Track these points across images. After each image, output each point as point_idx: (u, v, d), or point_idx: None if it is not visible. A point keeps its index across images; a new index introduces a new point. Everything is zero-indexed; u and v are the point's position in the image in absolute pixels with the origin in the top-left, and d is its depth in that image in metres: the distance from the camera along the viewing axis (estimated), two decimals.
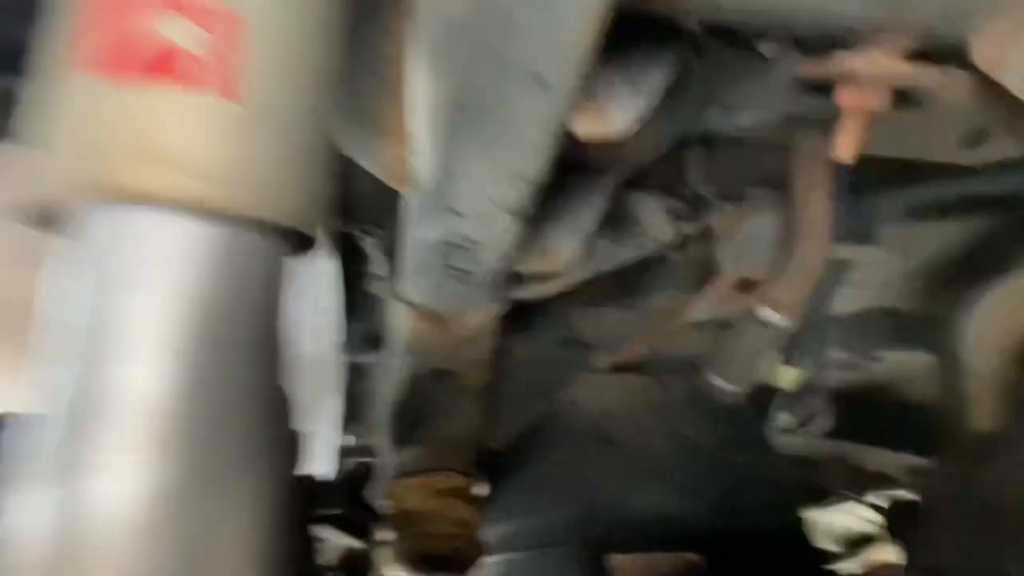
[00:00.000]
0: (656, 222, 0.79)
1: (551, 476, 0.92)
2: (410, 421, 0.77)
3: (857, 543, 1.61)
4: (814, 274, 0.84)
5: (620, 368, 1.10)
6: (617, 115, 0.44)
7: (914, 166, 0.86)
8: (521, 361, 1.04)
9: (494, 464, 0.93)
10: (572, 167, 0.68)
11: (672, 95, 0.62)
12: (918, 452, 1.54)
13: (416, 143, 0.41)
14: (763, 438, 1.01)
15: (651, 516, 0.86)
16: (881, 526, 1.55)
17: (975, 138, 0.83)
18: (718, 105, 0.65)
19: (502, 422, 0.92)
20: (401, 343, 0.69)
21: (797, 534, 0.87)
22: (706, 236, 0.87)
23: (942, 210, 1.00)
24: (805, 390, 1.08)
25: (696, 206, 0.85)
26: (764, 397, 1.17)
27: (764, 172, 0.90)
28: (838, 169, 0.66)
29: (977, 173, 0.78)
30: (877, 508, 1.61)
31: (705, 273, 1.08)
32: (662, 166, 0.93)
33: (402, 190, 0.51)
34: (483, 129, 0.39)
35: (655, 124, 0.63)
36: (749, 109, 0.60)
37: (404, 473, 0.75)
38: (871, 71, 0.44)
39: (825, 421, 1.06)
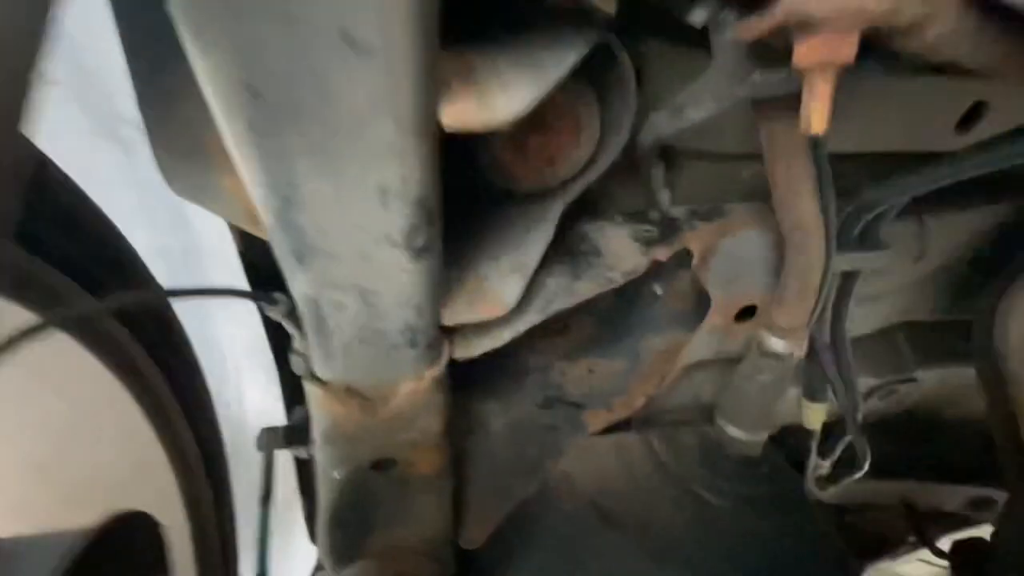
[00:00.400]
0: (621, 250, 0.67)
1: (543, 573, 0.74)
2: (351, 528, 0.62)
3: None
4: (817, 290, 0.71)
5: (616, 428, 0.94)
6: (500, 100, 0.34)
7: (908, 158, 0.75)
8: (496, 433, 0.89)
9: (469, 568, 0.76)
10: (506, 192, 0.57)
11: (604, 97, 0.53)
12: (981, 482, 1.34)
13: (232, 161, 0.31)
14: (797, 492, 0.84)
15: None
16: (955, 569, 1.30)
17: (968, 120, 0.73)
18: (664, 107, 0.55)
19: (475, 513, 0.76)
20: (320, 432, 0.55)
21: None
22: (685, 262, 0.74)
23: (947, 201, 0.89)
24: (838, 427, 0.91)
25: (667, 229, 0.73)
26: (792, 443, 1.00)
27: (743, 186, 0.79)
28: (820, 159, 0.55)
29: (975, 155, 0.67)
30: (941, 552, 1.38)
31: (699, 306, 0.95)
32: (623, 188, 0.83)
33: (257, 232, 0.40)
34: (300, 122, 0.28)
35: (589, 132, 0.53)
36: (697, 103, 0.50)
37: None
38: (832, 7, 0.33)
39: (865, 459, 0.89)
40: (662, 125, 0.55)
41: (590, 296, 0.61)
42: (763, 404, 0.78)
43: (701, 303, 0.94)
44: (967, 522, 1.47)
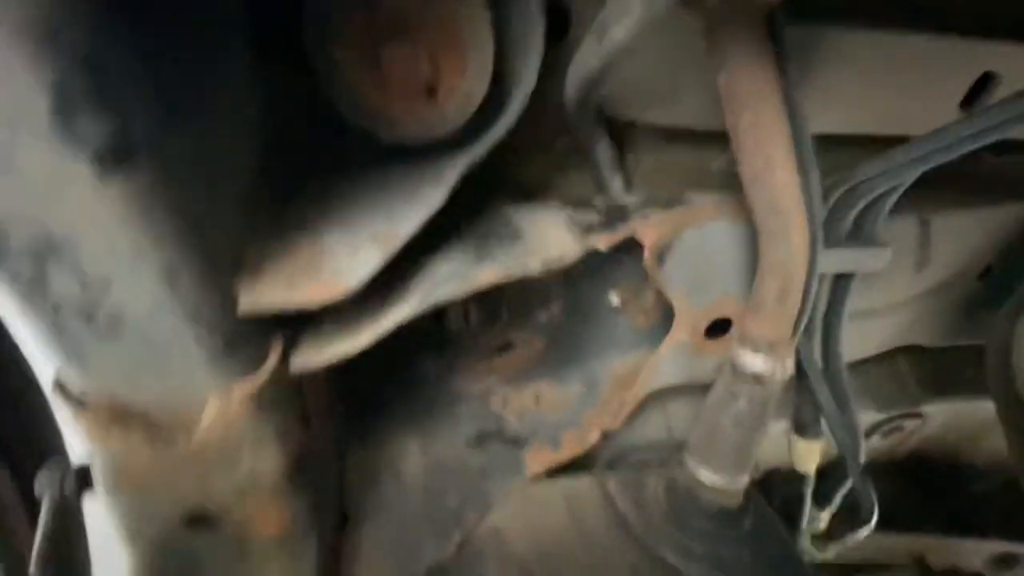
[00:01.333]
0: (549, 235, 0.52)
1: None
2: None
3: None
4: (801, 292, 0.56)
5: (564, 468, 0.77)
6: None
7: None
8: (409, 479, 0.71)
9: None
10: (395, 149, 0.42)
11: (499, 3, 0.39)
12: (1005, 535, 1.15)
13: None
14: (787, 553, 0.66)
15: None
16: None
17: (974, 96, 0.61)
18: (589, 32, 0.41)
19: None
20: (99, 474, 0.38)
21: None
22: (635, 253, 0.59)
23: (954, 199, 0.75)
24: (835, 471, 0.74)
25: (612, 215, 0.58)
26: (781, 491, 0.82)
27: (714, 178, 0.65)
28: (787, 76, 0.41)
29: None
30: None
31: (665, 321, 0.80)
32: (569, 178, 0.69)
33: None
34: None
35: (478, 52, 0.39)
36: (622, 13, 0.36)
37: None
38: None
39: (872, 510, 0.71)
40: (590, 58, 0.41)
41: (489, 285, 0.45)
42: (741, 440, 0.62)
43: (668, 317, 0.78)
44: None
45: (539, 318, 0.81)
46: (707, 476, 0.65)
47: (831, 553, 0.81)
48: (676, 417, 0.90)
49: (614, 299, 0.77)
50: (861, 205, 0.61)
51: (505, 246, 0.46)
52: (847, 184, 0.60)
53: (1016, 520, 1.15)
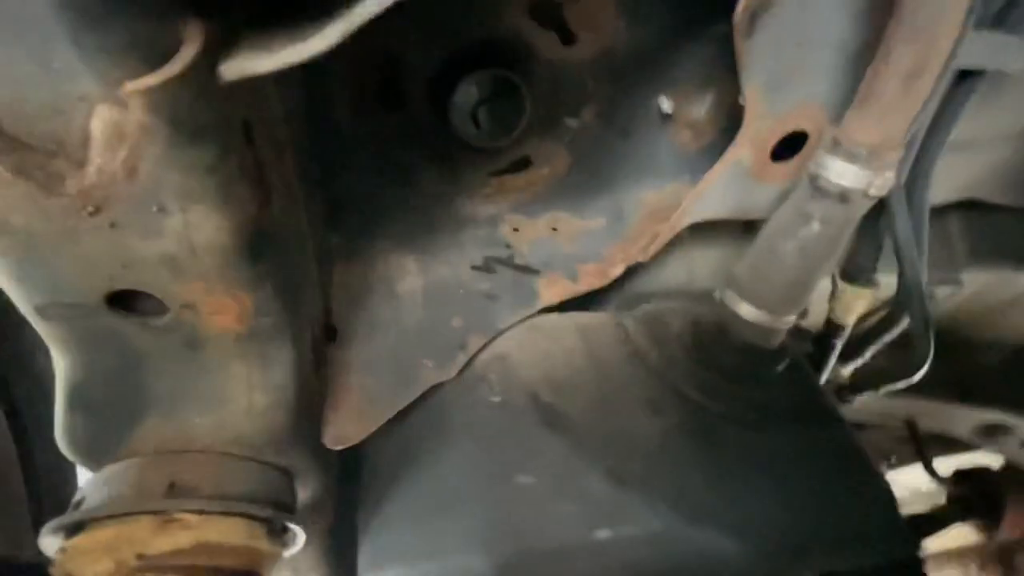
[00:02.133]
0: None
1: (459, 490, 0.50)
2: (103, 411, 0.36)
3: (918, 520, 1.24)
4: (935, 79, 0.42)
5: (579, 304, 0.68)
6: None
7: None
8: (405, 296, 0.61)
9: (352, 469, 0.52)
10: None
11: None
12: (997, 407, 1.16)
13: None
14: (821, 398, 0.60)
15: (647, 570, 0.45)
16: (955, 500, 1.16)
17: None
18: None
19: (352, 400, 0.51)
20: None
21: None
22: (710, 69, 0.43)
23: None
24: (888, 320, 0.66)
25: None
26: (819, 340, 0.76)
27: None
28: None
29: None
30: (938, 477, 1.23)
31: (720, 141, 0.66)
32: None
33: None
34: None
35: None
36: None
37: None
38: None
39: (927, 358, 0.65)
40: None
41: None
42: (802, 272, 0.52)
43: (724, 138, 0.64)
44: (962, 448, 1.33)
45: (567, 127, 0.66)
46: (749, 311, 0.56)
47: (855, 405, 0.77)
48: (700, 263, 0.80)
49: (665, 104, 0.62)
50: None
51: None
52: None
53: (1013, 394, 1.15)
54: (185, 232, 0.29)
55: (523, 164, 0.70)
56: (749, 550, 0.46)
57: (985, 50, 0.49)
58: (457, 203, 0.70)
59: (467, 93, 0.62)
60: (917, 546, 0.46)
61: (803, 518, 0.47)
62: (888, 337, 0.68)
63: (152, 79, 0.23)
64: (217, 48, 0.26)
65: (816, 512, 0.48)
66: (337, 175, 0.61)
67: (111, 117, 0.23)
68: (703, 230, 0.73)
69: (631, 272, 0.70)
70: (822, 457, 0.51)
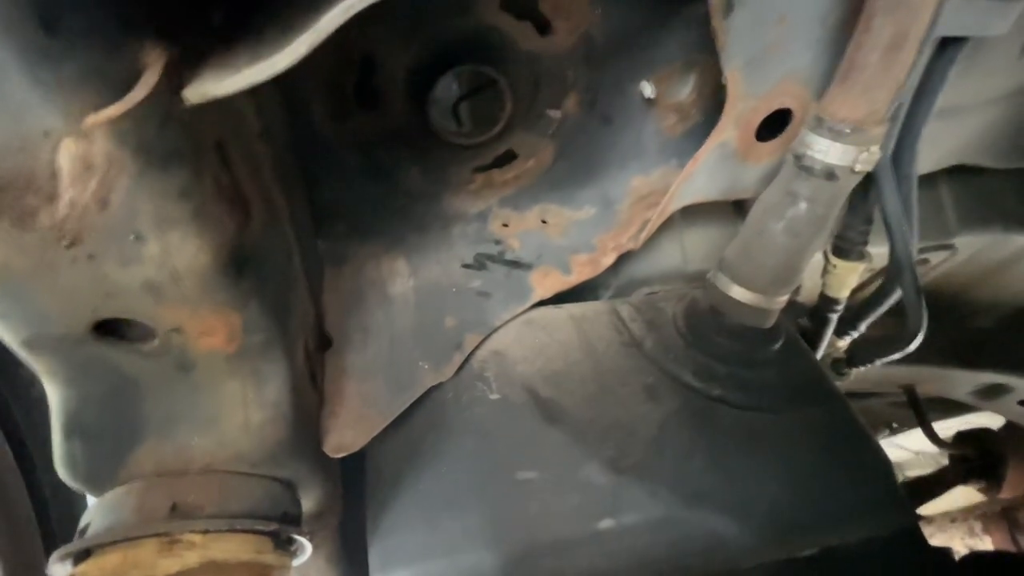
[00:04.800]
0: None
1: (463, 489, 0.51)
2: (101, 438, 0.36)
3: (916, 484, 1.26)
4: (915, 51, 0.41)
5: (573, 293, 0.68)
6: None
7: None
8: (398, 298, 0.61)
9: (353, 472, 0.52)
10: None
11: None
12: (995, 368, 1.17)
13: None
14: (822, 377, 0.60)
15: (650, 556, 0.46)
16: (957, 461, 1.17)
17: None
18: None
19: (350, 408, 0.51)
20: None
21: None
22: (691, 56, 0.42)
23: None
24: (881, 292, 0.67)
25: None
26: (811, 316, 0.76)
27: None
28: None
29: None
30: (939, 441, 1.24)
31: (704, 125, 0.65)
32: None
33: None
34: None
35: None
36: None
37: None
38: None
39: (920, 329, 0.66)
40: None
41: None
42: (792, 251, 0.52)
43: (709, 120, 0.63)
44: (963, 410, 1.35)
45: (550, 118, 0.65)
46: (741, 293, 0.56)
47: (852, 376, 0.78)
48: (692, 246, 0.80)
49: (647, 89, 0.61)
50: None
51: None
52: None
53: (1009, 354, 1.15)
54: (164, 257, 0.28)
55: (508, 158, 0.69)
56: (750, 530, 0.46)
57: (966, 16, 0.48)
58: (444, 201, 0.69)
59: (446, 89, 0.61)
60: (914, 515, 0.47)
61: (802, 496, 0.48)
62: (882, 309, 0.68)
63: (113, 110, 0.23)
64: (180, 71, 0.25)
65: (815, 489, 0.48)
66: (320, 181, 0.61)
67: (77, 150, 0.23)
68: (694, 212, 0.72)
69: (625, 258, 0.70)
70: (819, 434, 0.52)
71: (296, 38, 0.24)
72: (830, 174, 0.47)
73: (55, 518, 0.66)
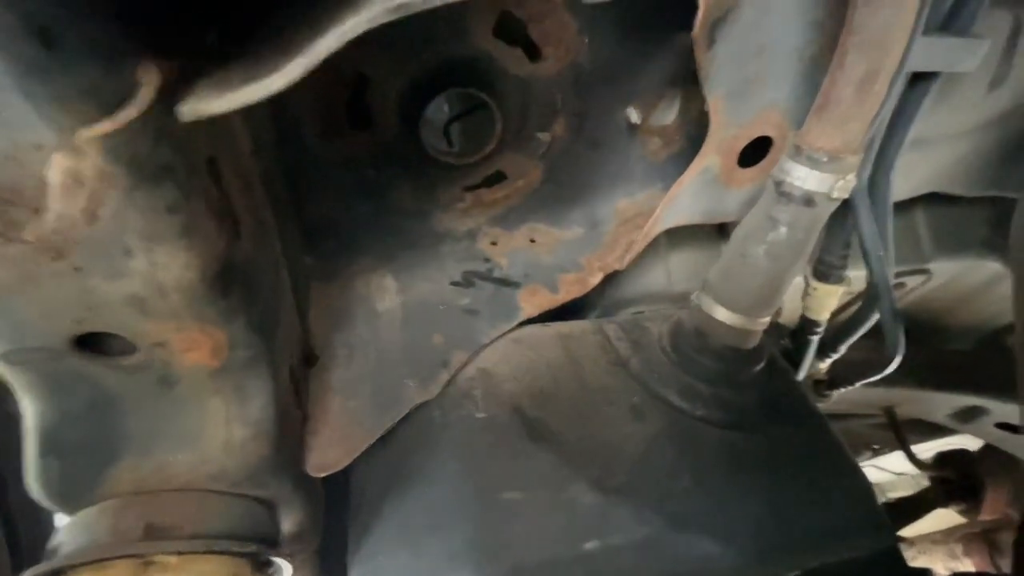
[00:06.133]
0: None
1: (448, 510, 0.50)
2: (78, 455, 0.35)
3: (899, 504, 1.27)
4: (889, 82, 0.43)
5: (561, 312, 0.69)
6: None
7: None
8: (385, 315, 0.61)
9: (337, 491, 0.51)
10: None
11: None
12: (972, 391, 1.19)
13: None
14: (798, 395, 0.61)
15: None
16: (937, 483, 1.18)
17: None
18: None
19: (334, 426, 0.50)
20: None
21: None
22: (673, 75, 0.44)
23: None
24: (859, 315, 0.68)
25: None
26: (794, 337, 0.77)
27: None
28: None
29: None
30: (919, 463, 1.26)
31: (689, 149, 0.67)
32: None
33: None
34: None
35: None
36: None
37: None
38: None
39: (898, 351, 0.67)
40: None
41: None
42: (773, 274, 0.53)
43: (693, 145, 0.65)
44: (943, 432, 1.37)
45: (539, 140, 0.67)
46: (725, 315, 0.57)
47: (834, 398, 0.79)
48: (677, 267, 0.82)
49: (633, 115, 0.63)
50: None
51: None
52: None
53: (985, 377, 1.18)
54: (151, 272, 0.28)
55: (497, 178, 0.70)
56: (734, 552, 0.46)
57: (936, 53, 0.51)
58: (433, 219, 0.70)
59: (438, 111, 0.62)
60: (895, 536, 0.48)
61: (785, 517, 0.48)
62: (860, 332, 0.69)
63: (107, 126, 0.23)
64: (175, 88, 0.26)
65: (797, 510, 0.49)
66: (310, 198, 0.61)
67: (68, 165, 0.23)
68: (679, 234, 0.74)
69: (612, 278, 0.71)
70: (801, 455, 0.53)
71: (291, 61, 0.24)
72: (808, 200, 0.49)
73: (24, 537, 0.63)
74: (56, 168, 0.23)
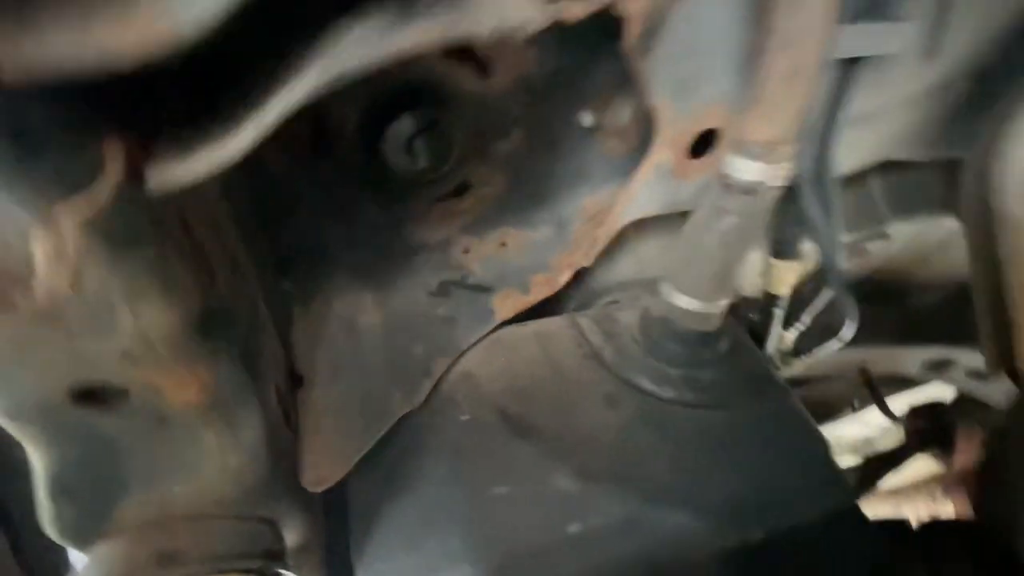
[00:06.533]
0: None
1: (441, 509, 0.54)
2: (86, 495, 0.38)
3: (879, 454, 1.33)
4: (814, 77, 0.46)
5: (535, 313, 0.72)
6: None
7: None
8: (367, 332, 0.64)
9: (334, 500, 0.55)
10: None
11: None
12: (941, 343, 1.25)
13: None
14: (766, 370, 0.65)
15: (617, 554, 0.50)
16: (913, 434, 1.24)
17: None
18: None
19: (327, 442, 0.53)
20: None
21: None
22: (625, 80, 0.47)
23: None
24: (813, 289, 0.72)
25: None
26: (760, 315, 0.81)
27: None
28: None
29: None
30: (893, 416, 1.32)
31: (644, 145, 0.69)
32: None
33: None
34: None
35: None
36: None
37: None
38: None
39: (854, 320, 0.71)
40: None
41: (417, 49, 0.33)
42: (726, 261, 0.56)
43: (645, 142, 0.68)
44: (916, 384, 1.43)
45: (499, 149, 0.69)
46: (685, 302, 0.61)
47: (799, 368, 0.83)
48: (647, 255, 0.85)
49: (586, 118, 0.66)
50: None
51: (444, 3, 0.33)
52: None
53: (953, 330, 1.23)
54: (137, 326, 0.31)
55: (464, 188, 0.73)
56: (708, 522, 0.50)
57: (860, 39, 0.54)
58: (406, 232, 0.73)
59: (397, 130, 0.65)
60: (853, 493, 0.52)
61: (751, 484, 0.52)
62: (819, 303, 0.73)
63: (81, 208, 0.25)
64: (141, 159, 0.28)
65: (764, 478, 0.53)
66: (281, 225, 0.63)
67: (49, 243, 0.26)
68: (645, 224, 0.77)
69: (588, 270, 0.74)
70: (765, 425, 0.57)
71: (243, 127, 0.27)
72: (751, 190, 0.52)
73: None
74: (39, 248, 0.25)
